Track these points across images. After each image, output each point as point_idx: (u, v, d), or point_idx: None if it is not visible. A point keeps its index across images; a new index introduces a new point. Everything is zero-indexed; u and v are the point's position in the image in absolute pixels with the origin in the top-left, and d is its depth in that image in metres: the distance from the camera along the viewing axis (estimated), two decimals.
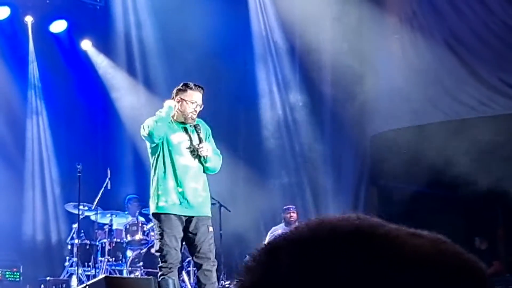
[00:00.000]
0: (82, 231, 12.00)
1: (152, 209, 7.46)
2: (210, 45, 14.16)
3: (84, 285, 5.69)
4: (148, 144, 7.59)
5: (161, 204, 7.38)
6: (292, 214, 12.34)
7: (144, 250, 11.85)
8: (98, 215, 12.20)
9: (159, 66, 15.05)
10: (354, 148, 13.45)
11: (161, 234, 7.33)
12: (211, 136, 7.84)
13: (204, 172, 7.67)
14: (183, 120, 7.55)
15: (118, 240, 12.21)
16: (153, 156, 7.49)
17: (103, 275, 9.39)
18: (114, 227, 12.38)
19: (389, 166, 12.95)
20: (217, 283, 7.72)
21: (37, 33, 14.73)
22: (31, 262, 13.75)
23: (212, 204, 12.63)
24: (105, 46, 15.40)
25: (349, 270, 1.06)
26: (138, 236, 12.21)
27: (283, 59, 14.17)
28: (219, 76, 14.44)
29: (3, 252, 13.03)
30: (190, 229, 7.52)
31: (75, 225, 11.89)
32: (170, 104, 7.48)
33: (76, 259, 11.41)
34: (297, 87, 13.94)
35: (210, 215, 7.83)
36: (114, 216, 12.44)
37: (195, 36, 14.21)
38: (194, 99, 7.47)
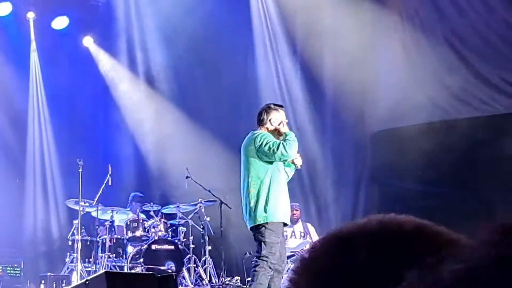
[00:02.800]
0: (83, 227, 12.01)
1: (269, 219, 7.92)
2: (212, 40, 14.17)
3: (84, 280, 5.68)
4: (257, 162, 8.04)
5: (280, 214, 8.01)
6: (295, 211, 12.32)
7: (145, 246, 11.87)
8: (99, 212, 12.21)
9: (161, 62, 15.06)
10: (355, 146, 13.45)
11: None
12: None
13: None
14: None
15: (119, 237, 12.24)
16: (267, 172, 8.01)
17: (104, 270, 9.42)
18: (115, 223, 12.41)
19: (389, 164, 12.96)
20: None
21: (39, 29, 14.74)
22: (32, 258, 13.78)
23: (213, 201, 12.74)
24: (107, 42, 15.41)
25: (415, 262, 1.14)
26: (139, 233, 12.24)
27: (284, 55, 14.17)
28: (221, 72, 14.46)
29: (4, 248, 13.05)
30: None
31: (76, 221, 11.90)
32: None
33: (77, 255, 11.43)
34: (298, 84, 13.94)
35: None
36: (115, 212, 12.46)
37: (197, 32, 14.22)
38: (283, 117, 8.19)
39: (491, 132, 11.82)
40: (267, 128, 8.14)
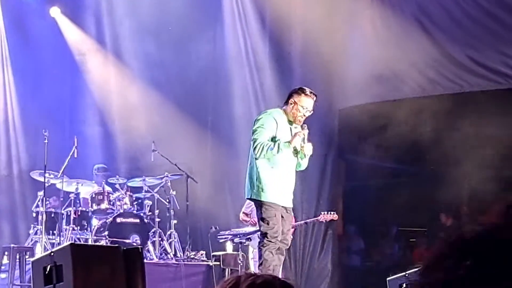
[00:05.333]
0: (48, 199, 11.95)
1: (259, 197, 8.04)
2: (181, 14, 14.08)
3: (49, 252, 5.66)
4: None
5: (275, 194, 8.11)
6: None
7: (110, 219, 11.83)
8: (64, 183, 12.13)
9: (128, 34, 14.94)
10: (322, 122, 13.44)
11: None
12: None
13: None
14: (291, 120, 8.33)
15: (84, 209, 12.19)
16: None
17: (68, 243, 9.38)
18: (81, 196, 12.35)
19: (356, 141, 13.01)
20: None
21: None
22: None
23: (179, 175, 12.71)
24: (74, 13, 15.23)
25: None
26: (104, 205, 12.19)
27: (253, 32, 14.11)
28: (189, 47, 14.39)
29: None
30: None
31: (40, 193, 11.83)
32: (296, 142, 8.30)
33: (41, 227, 11.37)
34: (267, 60, 13.90)
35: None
36: (80, 184, 12.40)
37: (166, 5, 14.13)
38: (306, 105, 8.32)
39: (457, 110, 11.90)
40: (287, 109, 8.30)
